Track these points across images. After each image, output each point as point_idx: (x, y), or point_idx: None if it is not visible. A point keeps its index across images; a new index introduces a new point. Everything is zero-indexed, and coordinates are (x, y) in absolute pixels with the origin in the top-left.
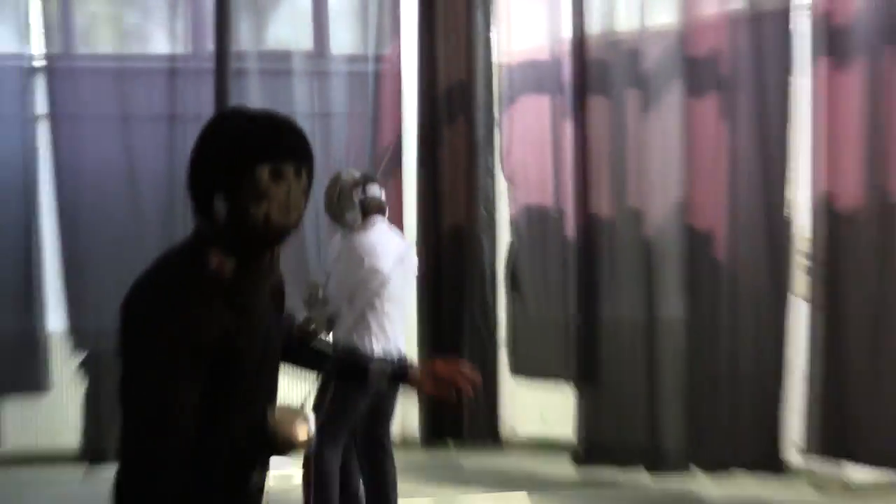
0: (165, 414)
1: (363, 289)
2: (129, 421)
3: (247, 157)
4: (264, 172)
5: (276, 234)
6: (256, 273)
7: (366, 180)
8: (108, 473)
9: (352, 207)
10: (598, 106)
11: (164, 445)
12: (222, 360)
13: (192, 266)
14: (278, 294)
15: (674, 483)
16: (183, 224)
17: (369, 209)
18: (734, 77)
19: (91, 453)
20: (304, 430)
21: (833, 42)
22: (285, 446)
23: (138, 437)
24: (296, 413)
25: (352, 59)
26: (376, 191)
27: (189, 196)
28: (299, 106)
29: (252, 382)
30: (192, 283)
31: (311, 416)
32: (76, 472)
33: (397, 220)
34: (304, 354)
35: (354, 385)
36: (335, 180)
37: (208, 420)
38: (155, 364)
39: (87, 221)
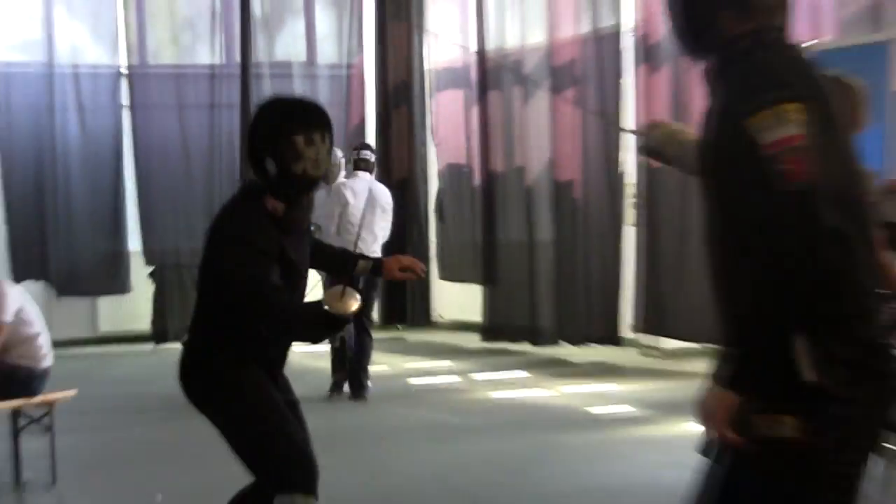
0: (256, 271)
1: (343, 219)
2: (231, 284)
3: (286, 129)
4: (300, 139)
5: (310, 183)
6: (298, 210)
7: (361, 147)
8: (169, 348)
9: (336, 172)
10: (494, 98)
11: (265, 277)
12: (280, 266)
13: (255, 207)
14: (310, 224)
15: (548, 351)
16: (219, 179)
17: (357, 166)
18: (584, 78)
19: (157, 335)
20: (355, 303)
21: (648, 54)
22: (341, 318)
23: (241, 287)
24: (346, 292)
25: (332, 66)
26: (367, 154)
27: (248, 159)
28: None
29: (297, 279)
30: (257, 216)
31: (357, 295)
32: (148, 348)
33: None
34: (320, 260)
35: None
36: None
37: (248, 319)
38: (239, 246)
39: (155, 177)
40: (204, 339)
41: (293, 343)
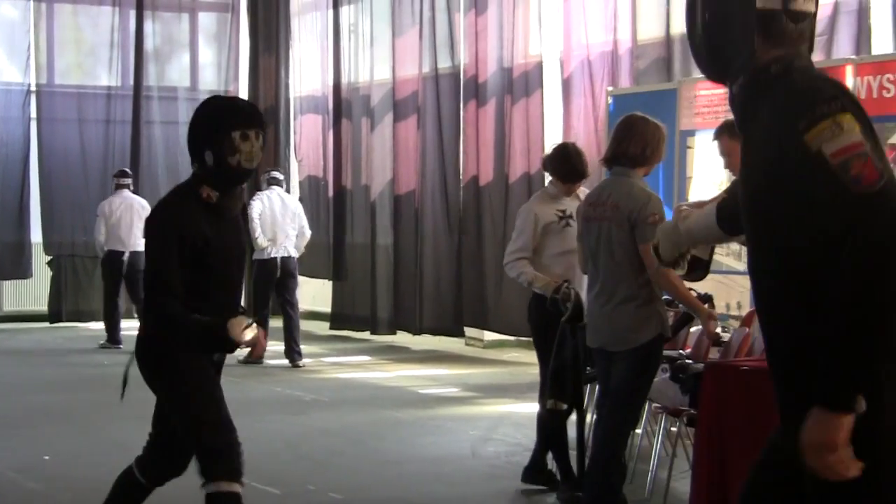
0: (162, 275)
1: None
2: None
3: (225, 125)
4: (236, 135)
5: (243, 175)
6: (230, 198)
7: (274, 168)
8: (63, 326)
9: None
10: (345, 125)
11: (161, 293)
12: (201, 255)
13: (189, 193)
14: (243, 210)
15: (387, 339)
16: (112, 183)
17: (269, 183)
18: (424, 107)
19: (53, 316)
20: (250, 335)
21: (477, 91)
22: (233, 343)
23: (146, 289)
24: (248, 325)
25: (211, 91)
26: (276, 174)
27: (188, 150)
28: (182, 119)
29: (221, 273)
30: (187, 200)
31: (256, 330)
32: (44, 325)
33: None
34: None
35: None
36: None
37: (191, 296)
38: (156, 243)
39: (56, 180)
40: (150, 325)
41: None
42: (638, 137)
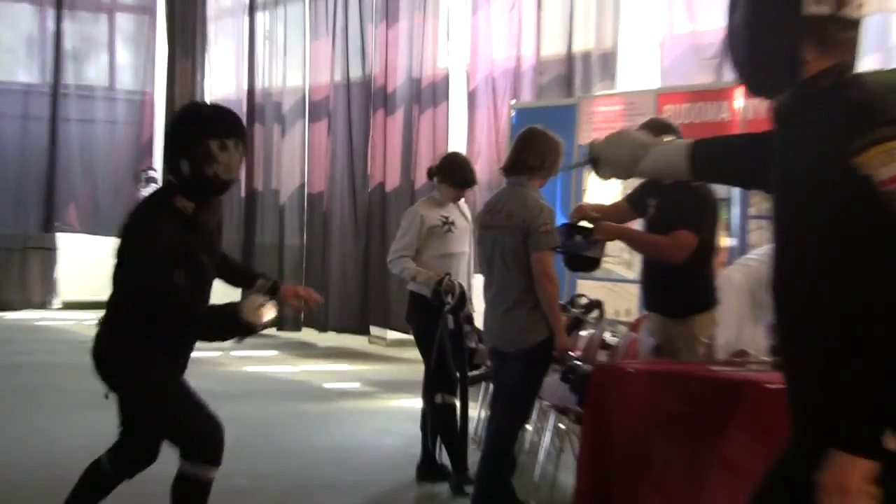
0: (159, 272)
1: None
2: (128, 289)
3: (202, 134)
4: (214, 144)
5: (221, 186)
6: (206, 211)
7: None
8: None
9: None
10: (258, 130)
11: (165, 286)
12: (185, 263)
13: (164, 204)
14: (220, 224)
15: (294, 335)
16: (28, 176)
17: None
18: (335, 113)
19: None
20: (269, 316)
21: (386, 99)
22: (251, 327)
23: (145, 287)
24: (264, 305)
25: (128, 92)
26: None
27: (163, 160)
28: (98, 118)
29: (204, 275)
30: (165, 214)
31: (274, 309)
32: None
33: None
34: (223, 271)
35: None
36: None
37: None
38: (146, 245)
39: None
40: (115, 327)
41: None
42: (538, 150)
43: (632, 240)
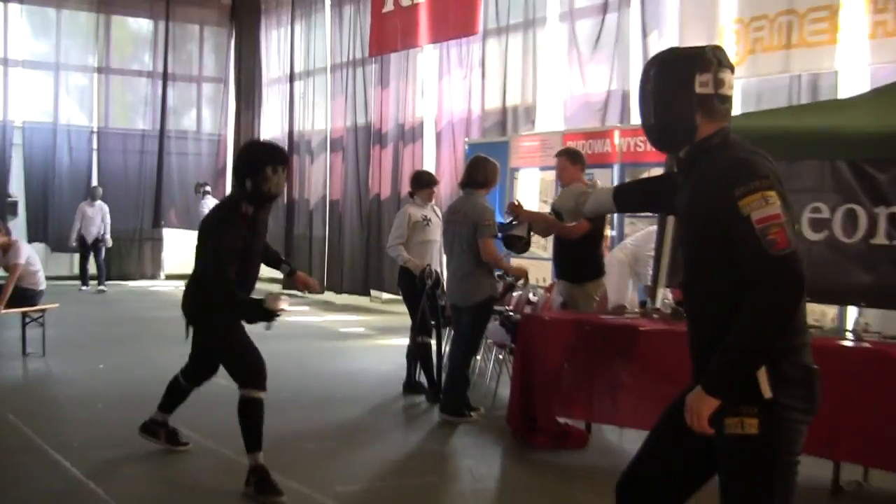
0: (223, 266)
1: None
2: (208, 263)
3: (262, 161)
4: (269, 169)
5: (272, 197)
6: (262, 213)
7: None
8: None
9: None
10: (296, 159)
11: (225, 280)
12: (243, 250)
13: (233, 208)
14: (266, 223)
15: (320, 297)
16: (147, 189)
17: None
18: (347, 148)
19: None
20: (284, 305)
21: (381, 138)
22: (272, 312)
23: (212, 275)
24: (281, 297)
25: (209, 134)
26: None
27: (233, 178)
28: (190, 152)
29: (253, 258)
30: (232, 216)
31: (289, 301)
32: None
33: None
34: (265, 255)
35: None
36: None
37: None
38: (217, 245)
39: (111, 188)
40: (198, 293)
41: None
42: (482, 170)
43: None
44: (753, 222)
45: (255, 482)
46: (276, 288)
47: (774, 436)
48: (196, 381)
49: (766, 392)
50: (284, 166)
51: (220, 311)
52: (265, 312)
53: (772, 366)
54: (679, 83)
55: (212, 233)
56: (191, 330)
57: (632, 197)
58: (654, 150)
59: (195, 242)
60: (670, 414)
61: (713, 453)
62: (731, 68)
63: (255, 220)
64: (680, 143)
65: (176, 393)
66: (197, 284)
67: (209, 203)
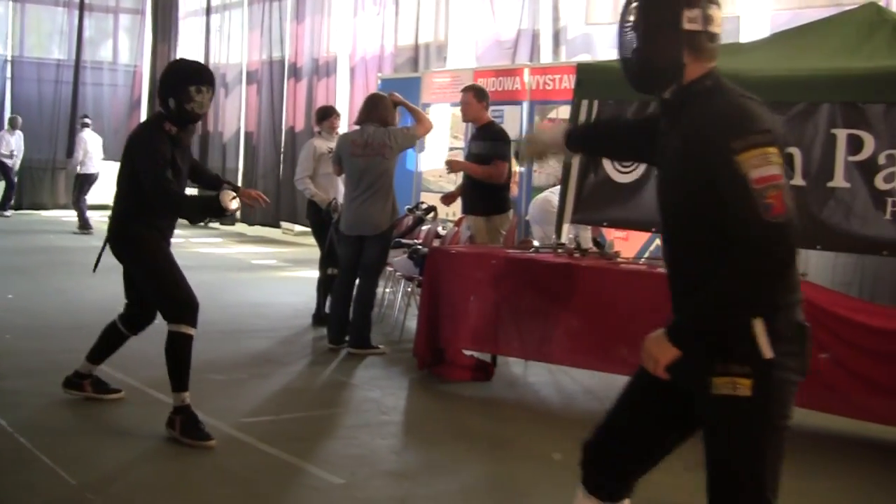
0: (160, 170)
1: None
2: (144, 179)
3: (185, 80)
4: (192, 89)
5: (195, 117)
6: (185, 133)
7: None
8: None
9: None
10: None
11: (167, 184)
12: (170, 168)
13: (158, 126)
14: (189, 145)
15: (231, 228)
16: (62, 118)
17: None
18: (263, 81)
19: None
20: (235, 203)
21: (296, 73)
22: (223, 209)
23: (151, 181)
24: (233, 195)
25: (126, 65)
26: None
27: (157, 97)
28: (105, 83)
29: (179, 178)
30: (159, 132)
31: (238, 200)
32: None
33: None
34: (200, 178)
35: None
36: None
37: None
38: (150, 152)
39: (25, 115)
40: (121, 213)
41: (179, 218)
42: (381, 107)
43: (471, 171)
44: (750, 181)
45: (182, 424)
46: None
47: (769, 397)
48: (135, 327)
49: (767, 352)
50: (209, 87)
51: (147, 231)
52: (218, 209)
53: (768, 325)
54: (666, 16)
55: (142, 143)
56: (104, 263)
57: (588, 140)
58: (562, 88)
59: (117, 167)
60: (642, 373)
61: (691, 417)
62: (719, 4)
63: (178, 141)
64: (664, 83)
65: (111, 339)
66: (120, 210)
67: (86, 135)
